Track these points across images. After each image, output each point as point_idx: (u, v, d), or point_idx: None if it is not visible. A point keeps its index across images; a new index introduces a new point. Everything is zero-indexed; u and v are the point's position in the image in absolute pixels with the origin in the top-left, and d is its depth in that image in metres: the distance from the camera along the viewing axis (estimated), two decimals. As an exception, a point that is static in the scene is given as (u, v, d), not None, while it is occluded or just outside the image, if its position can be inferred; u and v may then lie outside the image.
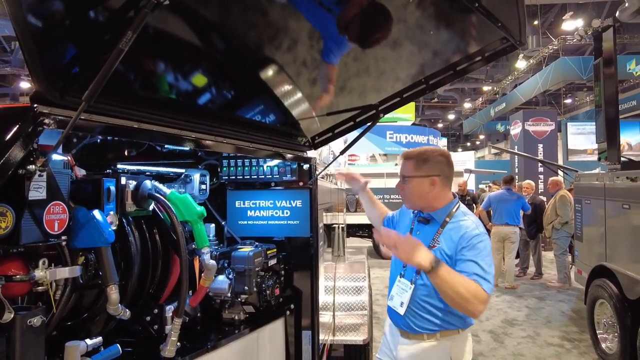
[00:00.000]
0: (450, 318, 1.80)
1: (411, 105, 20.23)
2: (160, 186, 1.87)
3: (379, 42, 1.82)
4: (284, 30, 1.78)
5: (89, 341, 1.38)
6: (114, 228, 1.48)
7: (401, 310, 1.83)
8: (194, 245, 1.85)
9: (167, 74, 1.67)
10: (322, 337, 2.81)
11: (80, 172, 1.49)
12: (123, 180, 1.59)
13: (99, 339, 1.43)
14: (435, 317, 1.79)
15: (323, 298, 3.27)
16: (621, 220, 4.12)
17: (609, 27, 4.45)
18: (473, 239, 1.74)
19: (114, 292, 1.36)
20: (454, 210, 1.86)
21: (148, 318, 1.80)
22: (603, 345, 4.16)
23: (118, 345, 1.47)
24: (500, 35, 1.91)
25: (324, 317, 3.18)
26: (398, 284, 1.88)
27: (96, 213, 1.38)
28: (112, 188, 1.52)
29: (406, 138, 15.31)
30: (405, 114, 19.22)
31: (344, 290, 3.41)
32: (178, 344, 1.78)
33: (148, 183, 1.68)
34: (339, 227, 4.66)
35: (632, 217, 3.88)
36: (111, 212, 1.50)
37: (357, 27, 1.68)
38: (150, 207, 1.77)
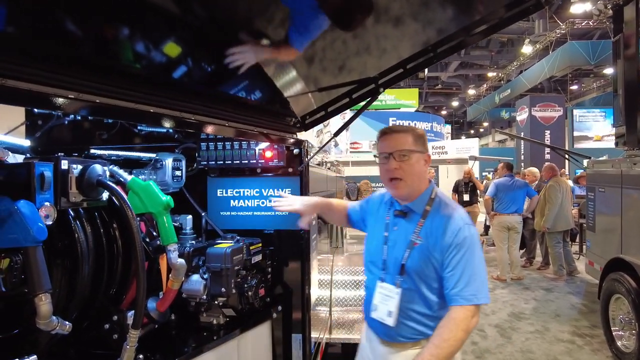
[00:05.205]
0: (435, 323, 1.53)
1: (414, 92, 19.84)
2: (121, 172, 1.59)
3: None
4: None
5: (17, 362, 1.12)
6: (50, 222, 1.21)
7: (390, 321, 1.54)
8: (159, 242, 1.58)
9: (134, 39, 1.37)
10: (318, 335, 2.56)
11: (5, 154, 1.20)
12: (65, 165, 1.31)
13: (33, 358, 1.17)
14: (420, 324, 1.54)
15: (319, 293, 3.01)
16: (640, 209, 3.82)
17: (630, 0, 4.08)
18: (459, 233, 1.48)
19: (44, 303, 1.09)
20: (432, 196, 1.59)
21: (107, 326, 1.54)
22: (619, 343, 3.90)
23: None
24: (523, -9, 1.60)
25: (321, 313, 2.93)
26: (380, 290, 1.58)
27: (22, 204, 1.10)
28: (48, 174, 1.23)
29: (409, 125, 14.99)
30: (409, 100, 18.88)
31: (342, 284, 3.15)
32: (141, 356, 1.53)
33: (98, 168, 1.39)
34: (337, 217, 4.40)
35: (653, 206, 3.58)
36: (47, 203, 1.22)
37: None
38: (105, 197, 1.49)
